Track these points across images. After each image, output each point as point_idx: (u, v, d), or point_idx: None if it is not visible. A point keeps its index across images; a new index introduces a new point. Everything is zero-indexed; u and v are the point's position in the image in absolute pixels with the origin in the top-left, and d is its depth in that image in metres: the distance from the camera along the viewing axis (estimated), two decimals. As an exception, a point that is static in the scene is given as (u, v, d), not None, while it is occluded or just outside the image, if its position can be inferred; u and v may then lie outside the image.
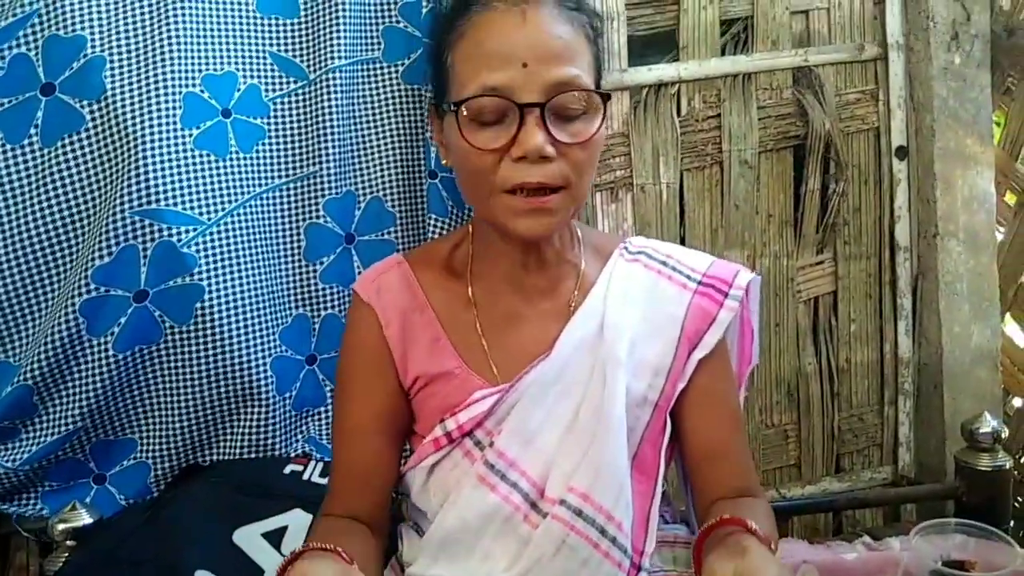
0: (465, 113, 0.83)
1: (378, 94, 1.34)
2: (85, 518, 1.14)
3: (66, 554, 1.12)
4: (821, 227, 1.58)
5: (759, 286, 1.00)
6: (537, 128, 0.81)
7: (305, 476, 1.21)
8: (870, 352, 1.60)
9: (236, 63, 1.27)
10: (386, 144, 1.34)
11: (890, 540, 1.22)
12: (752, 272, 0.99)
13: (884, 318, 1.60)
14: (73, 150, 1.18)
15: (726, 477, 0.93)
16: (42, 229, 1.19)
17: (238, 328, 1.25)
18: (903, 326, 1.59)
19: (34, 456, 1.22)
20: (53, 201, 1.18)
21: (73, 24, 1.16)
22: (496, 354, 0.92)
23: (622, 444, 0.87)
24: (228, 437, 1.28)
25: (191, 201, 1.20)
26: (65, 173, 1.18)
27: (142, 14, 1.19)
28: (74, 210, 1.19)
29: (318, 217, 1.32)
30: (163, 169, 1.18)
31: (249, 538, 1.08)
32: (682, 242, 1.53)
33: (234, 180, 1.26)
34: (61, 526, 1.13)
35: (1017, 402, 1.64)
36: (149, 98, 1.17)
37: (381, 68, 1.33)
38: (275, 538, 1.10)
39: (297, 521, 1.11)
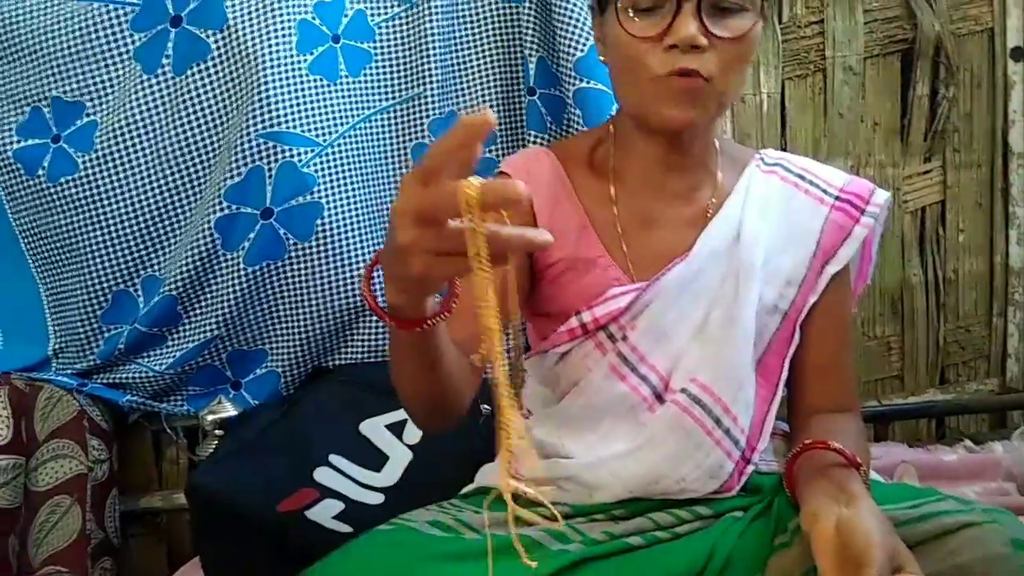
0: (621, 2, 0.86)
1: (478, 14, 1.36)
2: (230, 410, 1.28)
3: (215, 442, 1.26)
4: (929, 134, 1.54)
5: (887, 207, 1.00)
6: (692, 17, 0.83)
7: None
8: (979, 262, 1.57)
9: (344, -11, 1.33)
10: (486, 63, 1.37)
11: (993, 444, 1.22)
12: (887, 193, 0.99)
13: (995, 227, 1.56)
14: (201, 77, 1.27)
15: (830, 391, 0.95)
16: (179, 152, 1.30)
17: (354, 243, 1.33)
18: (1015, 235, 1.54)
19: (178, 361, 1.36)
20: (187, 126, 1.29)
21: (196, -42, 1.24)
22: (634, 253, 0.94)
23: (748, 348, 0.90)
24: (350, 343, 1.38)
25: (308, 124, 1.28)
26: (196, 99, 1.28)
27: (257, -56, 1.25)
28: (206, 133, 1.29)
29: (423, 137, 1.37)
30: (282, 94, 1.25)
31: (374, 428, 1.19)
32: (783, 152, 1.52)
33: (345, 103, 1.33)
34: (210, 417, 1.27)
35: None
36: (267, 26, 1.25)
37: (480, -13, 1.36)
38: (397, 429, 1.20)
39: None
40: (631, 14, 0.86)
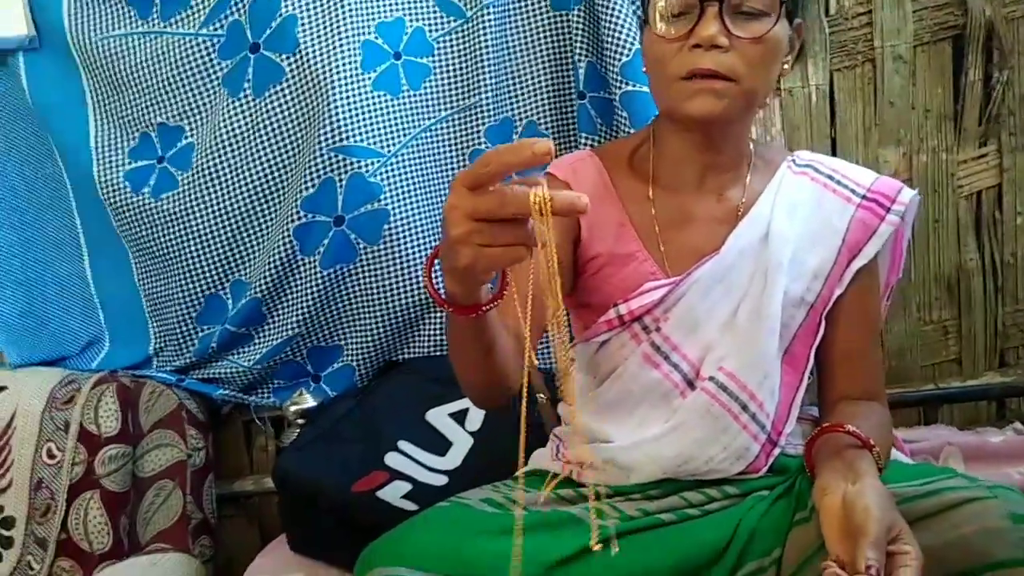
0: (654, 10, 0.94)
1: (529, 23, 1.42)
2: (310, 401, 1.40)
3: (297, 430, 1.38)
4: (984, 119, 1.53)
5: (917, 205, 1.03)
6: (713, 19, 0.89)
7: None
8: (1038, 245, 1.56)
9: (403, 9, 1.42)
10: (538, 70, 1.44)
11: (1042, 425, 1.23)
12: (914, 190, 1.03)
13: (1055, 210, 1.54)
14: (277, 98, 1.38)
15: (856, 379, 1.00)
16: (261, 167, 1.42)
17: (418, 245, 1.43)
18: (1076, 217, 1.53)
19: (264, 357, 1.48)
20: (266, 142, 1.40)
21: (268, -12, 1.35)
22: (669, 248, 1.00)
23: (774, 340, 0.95)
24: (417, 338, 1.48)
25: (374, 136, 1.38)
26: (273, 118, 1.39)
27: (323, -26, 1.35)
28: (282, 149, 1.41)
29: (480, 143, 1.46)
30: (349, 110, 1.36)
31: (439, 417, 1.28)
32: (834, 143, 1.54)
33: (407, 115, 1.42)
34: (293, 407, 1.40)
35: None
36: (334, 48, 1.35)
37: (531, -1, 1.42)
38: (460, 417, 1.29)
39: (476, 404, 1.30)
40: (661, 19, 0.93)
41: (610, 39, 1.34)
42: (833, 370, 1.01)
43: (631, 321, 0.99)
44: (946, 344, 1.59)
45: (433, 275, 0.74)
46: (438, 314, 1.46)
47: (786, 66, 0.98)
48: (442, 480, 1.20)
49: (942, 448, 1.16)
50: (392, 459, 1.22)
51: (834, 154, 1.53)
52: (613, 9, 1.34)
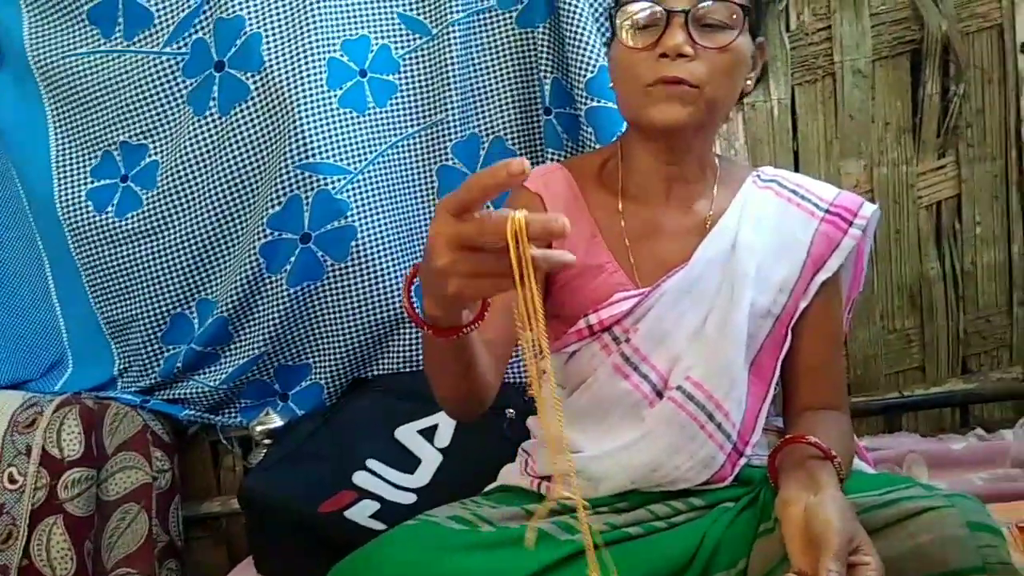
0: (621, 20, 0.95)
1: (495, 40, 1.44)
2: (277, 421, 1.38)
3: (264, 451, 1.37)
4: (942, 131, 1.57)
5: (878, 219, 1.06)
6: (679, 29, 0.92)
7: (452, 383, 1.39)
8: (997, 253, 1.59)
9: (368, 27, 1.42)
10: (504, 87, 1.45)
11: (1003, 431, 1.25)
12: (875, 205, 1.05)
13: (1012, 218, 1.58)
14: (243, 116, 1.38)
15: (819, 390, 1.02)
16: (226, 185, 1.41)
17: (386, 262, 1.42)
18: (1033, 226, 1.56)
19: (231, 376, 1.47)
20: (232, 161, 1.39)
21: (233, 7, 1.34)
22: (638, 260, 1.01)
23: (740, 350, 0.96)
24: (386, 355, 1.48)
25: (340, 153, 1.38)
26: (239, 136, 1.38)
27: (287, -8, 1.36)
28: (249, 167, 1.40)
29: (447, 160, 1.46)
30: (315, 127, 1.35)
31: (408, 434, 1.28)
32: (796, 156, 1.57)
33: (374, 132, 1.42)
34: (259, 428, 1.38)
35: None
36: (299, 65, 1.35)
37: (497, 16, 1.43)
38: (429, 434, 1.28)
39: (446, 419, 1.29)
40: (629, 30, 0.95)
41: (575, 56, 1.36)
42: (797, 381, 1.02)
43: (601, 331, 0.99)
44: (909, 352, 1.62)
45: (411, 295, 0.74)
46: (407, 330, 1.45)
47: (749, 83, 1.00)
48: (411, 498, 1.19)
49: (905, 456, 1.17)
50: (360, 478, 1.21)
51: (796, 167, 1.56)
52: (578, 26, 1.35)
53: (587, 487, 0.95)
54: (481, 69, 1.45)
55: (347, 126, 1.39)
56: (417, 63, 1.44)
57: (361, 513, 1.15)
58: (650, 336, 0.98)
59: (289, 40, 1.36)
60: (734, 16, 0.93)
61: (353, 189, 1.39)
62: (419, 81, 1.45)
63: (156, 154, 1.44)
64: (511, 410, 1.25)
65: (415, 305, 0.72)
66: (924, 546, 0.75)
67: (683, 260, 0.99)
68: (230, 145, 1.39)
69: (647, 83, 0.93)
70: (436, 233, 0.62)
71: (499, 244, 0.59)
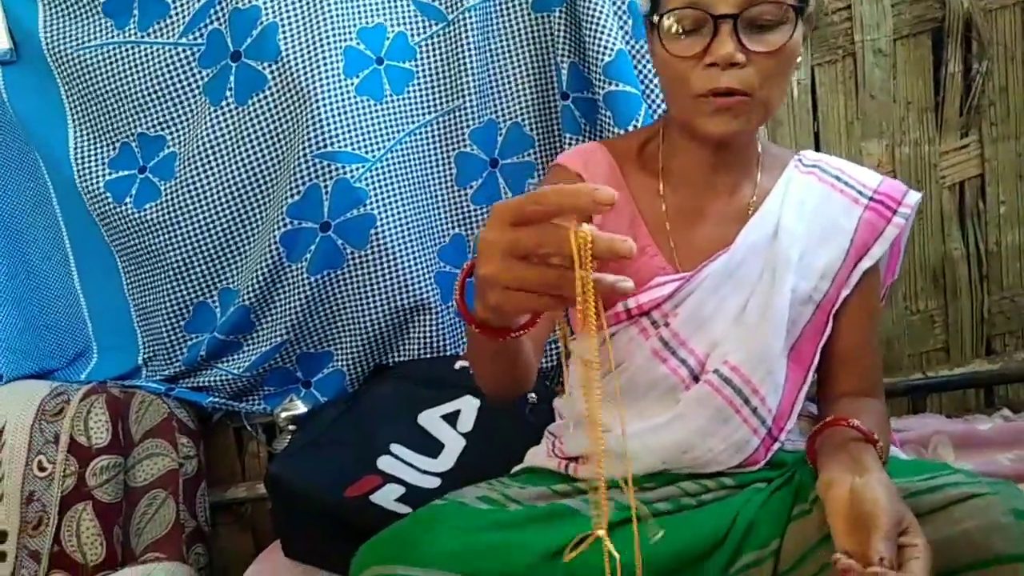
0: (666, 24, 0.92)
1: (511, 25, 1.43)
2: (301, 407, 1.40)
3: (288, 436, 1.38)
4: (965, 110, 1.55)
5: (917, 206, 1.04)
6: (728, 37, 0.88)
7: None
8: (1021, 233, 1.57)
9: (384, 14, 1.42)
10: (521, 72, 1.44)
11: (1030, 411, 1.23)
12: (919, 193, 1.03)
13: (1037, 198, 1.56)
14: (261, 106, 1.38)
15: (856, 378, 1.01)
16: (245, 175, 1.41)
17: (405, 250, 1.43)
18: (1059, 204, 1.54)
19: (254, 364, 1.48)
20: (250, 150, 1.40)
21: (248, -3, 1.35)
22: (679, 244, 1.00)
23: (780, 336, 0.95)
24: (406, 342, 1.49)
25: (358, 141, 1.38)
26: (257, 126, 1.39)
27: (303, -20, 1.36)
28: (267, 157, 1.41)
29: (465, 146, 1.46)
30: (333, 116, 1.36)
31: (430, 420, 1.28)
32: (816, 137, 1.56)
33: (391, 120, 1.42)
34: (284, 414, 1.40)
35: None
36: (316, 54, 1.35)
37: (513, 1, 1.42)
38: (451, 419, 1.29)
39: (468, 405, 1.30)
40: (673, 35, 0.91)
41: (592, 40, 1.35)
42: (835, 368, 1.01)
43: (639, 315, 0.98)
44: (933, 333, 1.61)
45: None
46: (427, 317, 1.46)
47: (799, 59, 0.97)
48: (435, 482, 1.20)
49: (931, 437, 1.17)
50: (384, 463, 1.22)
51: (817, 148, 1.54)
52: (594, 10, 1.34)
53: (617, 467, 0.95)
54: (498, 54, 1.45)
55: (364, 114, 1.39)
56: (433, 50, 1.44)
57: (386, 497, 1.16)
58: (690, 320, 0.97)
59: (305, 29, 1.36)
60: (784, 11, 0.89)
61: (371, 177, 1.39)
62: (436, 68, 1.44)
63: (174, 145, 1.45)
64: (533, 395, 1.25)
65: (467, 302, 0.69)
66: (970, 532, 0.74)
67: (724, 245, 0.98)
68: (248, 135, 1.40)
69: (697, 93, 0.91)
70: (490, 240, 0.58)
71: (552, 258, 0.55)
